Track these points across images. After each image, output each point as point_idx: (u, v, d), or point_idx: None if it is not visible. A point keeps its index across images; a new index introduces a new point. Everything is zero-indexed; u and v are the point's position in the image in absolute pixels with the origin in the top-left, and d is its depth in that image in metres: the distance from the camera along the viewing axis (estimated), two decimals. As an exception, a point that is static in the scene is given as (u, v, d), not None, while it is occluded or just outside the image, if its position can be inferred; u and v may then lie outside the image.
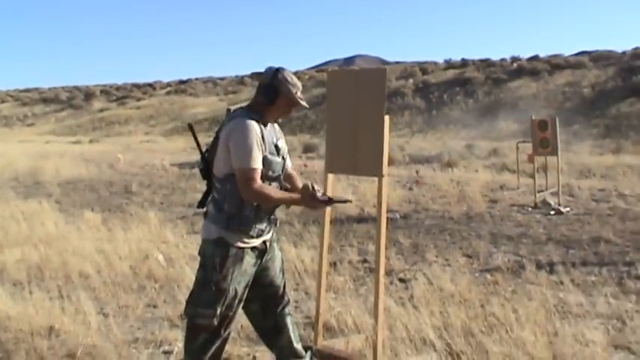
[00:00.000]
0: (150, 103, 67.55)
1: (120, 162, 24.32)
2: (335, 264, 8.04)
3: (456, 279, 7.10)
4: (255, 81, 69.94)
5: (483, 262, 8.39)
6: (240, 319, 4.38)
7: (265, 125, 3.94)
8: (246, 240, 3.93)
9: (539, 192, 13.43)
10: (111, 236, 9.32)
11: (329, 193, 4.76)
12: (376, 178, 4.71)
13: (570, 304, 6.37)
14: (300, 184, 4.15)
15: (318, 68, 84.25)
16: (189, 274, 7.05)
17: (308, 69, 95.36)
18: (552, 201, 13.02)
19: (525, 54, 55.60)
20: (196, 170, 20.45)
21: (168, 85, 79.08)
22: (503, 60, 52.84)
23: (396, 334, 5.23)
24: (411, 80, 50.79)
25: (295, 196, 3.95)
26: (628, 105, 36.11)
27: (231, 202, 3.85)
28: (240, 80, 73.41)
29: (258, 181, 3.76)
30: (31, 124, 67.37)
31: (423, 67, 55.96)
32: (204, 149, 4.07)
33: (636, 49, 47.25)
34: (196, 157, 23.59)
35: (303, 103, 4.06)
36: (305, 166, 20.25)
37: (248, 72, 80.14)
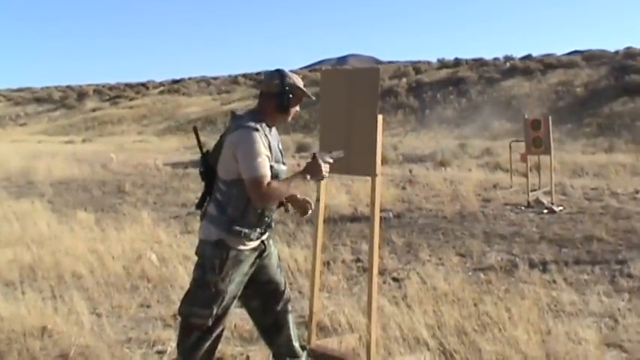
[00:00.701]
0: (143, 103, 67.35)
1: (113, 162, 24.28)
2: (328, 263, 8.05)
3: (450, 278, 7.11)
4: (248, 80, 70.08)
5: (477, 261, 8.41)
6: (234, 318, 4.38)
7: (271, 129, 3.97)
8: (246, 243, 3.94)
9: (532, 191, 13.46)
10: (104, 236, 9.30)
11: (322, 194, 4.77)
12: (369, 178, 4.72)
13: (563, 303, 6.39)
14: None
15: (312, 68, 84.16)
16: (182, 274, 7.06)
17: (301, 68, 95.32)
18: (545, 200, 13.04)
19: (518, 53, 55.72)
20: (189, 170, 20.59)
21: (162, 84, 78.83)
22: (496, 59, 52.81)
23: (389, 333, 5.24)
24: (404, 79, 50.75)
25: (299, 173, 3.96)
26: (620, 104, 36.16)
27: (235, 206, 3.86)
28: (234, 79, 73.25)
29: (261, 184, 3.74)
30: (24, 123, 67.12)
31: (416, 67, 55.89)
32: (204, 151, 4.05)
33: (628, 48, 47.33)
34: (189, 156, 23.48)
35: (312, 97, 4.09)
36: (299, 165, 20.25)
37: (241, 71, 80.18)
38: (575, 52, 56.31)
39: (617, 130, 32.50)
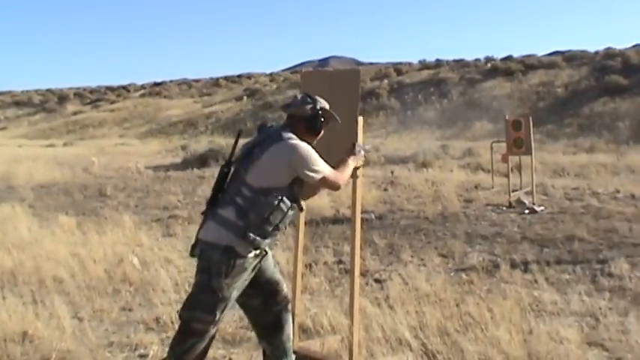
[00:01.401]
0: (124, 106, 67.06)
1: (94, 165, 24.13)
2: (310, 265, 8.05)
3: (432, 279, 7.14)
4: (230, 83, 69.99)
5: (458, 262, 8.44)
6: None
7: None
8: (253, 251, 3.98)
9: (513, 191, 13.51)
10: (85, 240, 9.25)
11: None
12: (350, 179, 4.73)
13: (545, 303, 6.43)
14: None
15: (293, 69, 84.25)
16: (164, 277, 7.05)
17: (283, 70, 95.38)
18: (527, 200, 13.10)
19: (499, 54, 55.98)
20: (171, 173, 20.54)
21: (143, 87, 78.62)
22: (477, 60, 53.03)
23: (371, 335, 5.25)
24: (385, 81, 50.82)
25: (347, 160, 4.40)
26: (601, 104, 36.39)
27: (258, 213, 3.91)
28: (215, 82, 73.10)
29: (334, 175, 4.18)
30: (4, 127, 66.62)
31: (398, 68, 56.01)
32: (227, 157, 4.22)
33: (608, 49, 47.72)
34: (171, 159, 23.43)
35: (339, 120, 4.36)
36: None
37: (223, 74, 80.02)
38: (556, 52, 56.69)
39: (598, 130, 32.71)
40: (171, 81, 79.93)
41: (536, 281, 7.20)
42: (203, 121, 52.80)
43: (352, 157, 4.42)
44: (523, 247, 9.21)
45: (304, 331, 5.51)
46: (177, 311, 4.08)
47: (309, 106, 4.19)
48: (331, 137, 4.50)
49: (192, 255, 4.08)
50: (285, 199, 3.96)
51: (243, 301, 4.21)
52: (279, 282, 4.34)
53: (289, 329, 4.39)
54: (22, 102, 76.54)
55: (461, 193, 14.54)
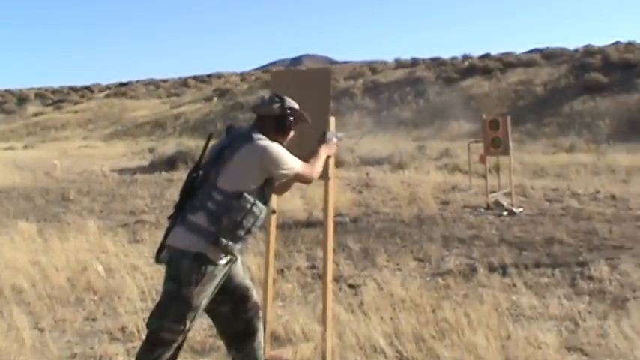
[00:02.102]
0: (88, 107, 66.65)
1: (56, 169, 23.94)
2: (282, 271, 8.06)
3: (407, 283, 7.17)
4: (199, 83, 69.80)
5: (435, 266, 8.48)
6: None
7: None
8: (225, 257, 4.00)
9: (491, 193, 13.59)
10: (47, 247, 9.19)
11: (273, 202, 4.83)
12: (323, 182, 4.75)
13: (523, 307, 6.48)
14: None
15: (265, 69, 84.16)
16: (130, 285, 7.02)
17: (254, 69, 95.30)
18: (505, 202, 13.19)
19: (477, 52, 56.21)
20: (137, 176, 20.44)
21: (108, 87, 78.25)
22: (454, 58, 53.33)
23: (345, 342, 5.27)
24: (360, 80, 50.97)
25: (319, 150, 4.49)
26: (581, 102, 36.77)
27: (231, 218, 3.94)
28: (184, 82, 72.96)
29: (305, 169, 4.28)
30: (-39, 130, 66.08)
31: (373, 67, 56.16)
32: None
33: (587, 46, 48.26)
34: (137, 162, 23.31)
35: (309, 120, 4.41)
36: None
37: (191, 73, 79.82)
38: (535, 50, 57.21)
39: (578, 129, 33.07)
40: (137, 81, 79.62)
41: (514, 285, 7.25)
42: (171, 122, 52.65)
43: (324, 147, 4.50)
44: (501, 250, 9.27)
45: (276, 339, 5.52)
46: (145, 320, 4.07)
47: (276, 105, 4.23)
48: (303, 139, 4.52)
49: (157, 261, 4.08)
50: (257, 201, 3.99)
51: (211, 308, 4.20)
52: (249, 288, 4.35)
53: (260, 337, 4.40)
54: (-21, 103, 75.81)
55: (438, 195, 14.61)
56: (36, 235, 10.28)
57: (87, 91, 77.02)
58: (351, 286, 7.49)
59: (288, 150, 4.15)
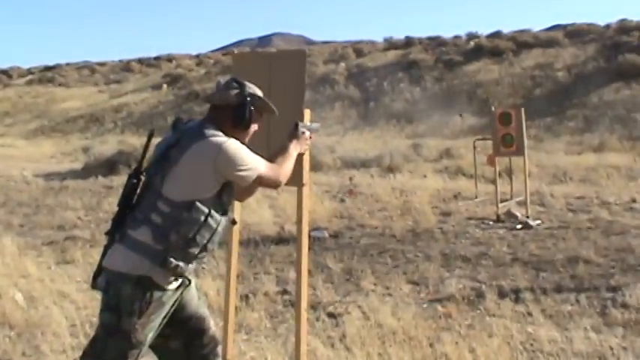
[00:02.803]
0: (5, 96, 66.20)
1: (-35, 173, 23.83)
2: (247, 297, 8.05)
3: (399, 312, 7.19)
4: (144, 67, 69.55)
5: (433, 291, 8.50)
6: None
7: None
8: (174, 281, 3.98)
9: (502, 202, 13.62)
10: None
11: (236, 212, 4.82)
12: (295, 188, 4.75)
13: (541, 341, 6.50)
14: None
15: (226, 50, 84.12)
16: (57, 317, 6.98)
17: (213, 51, 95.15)
18: (519, 212, 13.21)
19: (485, 30, 56.59)
20: (68, 182, 20.33)
21: (30, 72, 77.75)
22: (457, 38, 53.49)
23: (323, 384, 5.27)
24: (342, 64, 50.99)
25: (288, 146, 4.41)
26: (613, 91, 36.81)
27: (180, 233, 3.89)
28: (126, 66, 72.63)
29: (271, 170, 4.20)
30: None
31: (358, 48, 56.19)
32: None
33: (622, 20, 47.83)
34: (68, 165, 23.19)
35: (276, 111, 4.33)
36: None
37: (136, 56, 79.54)
38: (556, 26, 57.52)
39: (609, 123, 33.14)
40: (68, 64, 79.18)
41: (530, 314, 7.27)
42: (111, 115, 52.42)
43: (294, 142, 4.43)
44: (514, 271, 9.29)
45: (238, 381, 5.52)
46: None
47: (234, 92, 4.16)
48: (271, 135, 4.52)
49: (94, 287, 4.03)
50: (213, 212, 3.95)
51: (159, 343, 4.15)
52: (205, 318, 4.32)
53: None
54: None
55: (436, 205, 14.65)
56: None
57: (3, 76, 76.51)
58: (330, 315, 7.50)
59: (253, 150, 4.12)
